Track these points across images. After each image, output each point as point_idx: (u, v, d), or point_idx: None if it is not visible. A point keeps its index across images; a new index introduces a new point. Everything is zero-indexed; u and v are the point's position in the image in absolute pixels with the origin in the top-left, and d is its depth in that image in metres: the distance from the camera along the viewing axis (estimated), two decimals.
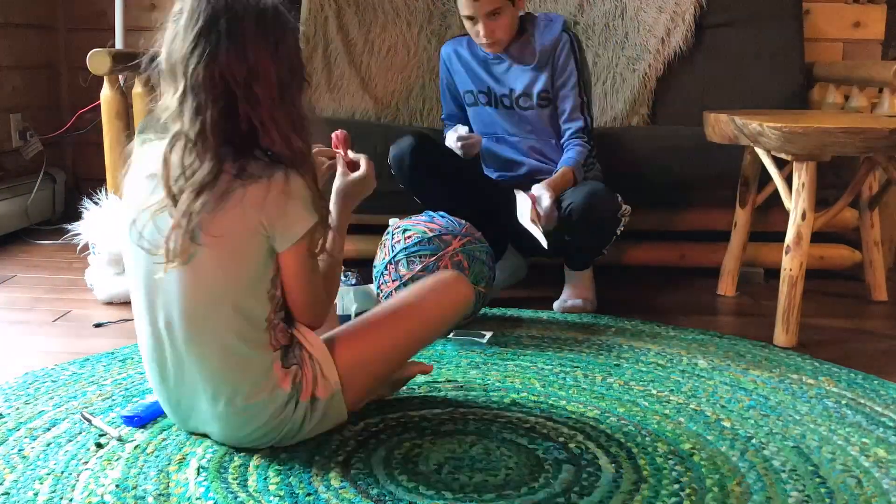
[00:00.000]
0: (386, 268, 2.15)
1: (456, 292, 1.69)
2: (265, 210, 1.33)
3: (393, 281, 2.13)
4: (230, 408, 1.44)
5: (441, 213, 2.22)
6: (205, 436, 1.55)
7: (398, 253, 2.13)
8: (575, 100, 2.39)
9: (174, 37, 1.33)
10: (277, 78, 1.33)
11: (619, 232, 2.31)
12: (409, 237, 2.14)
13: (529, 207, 2.21)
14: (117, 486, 1.39)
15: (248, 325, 1.40)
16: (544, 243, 2.17)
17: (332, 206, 1.56)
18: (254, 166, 1.34)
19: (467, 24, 2.35)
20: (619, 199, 2.29)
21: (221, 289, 1.38)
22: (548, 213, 2.22)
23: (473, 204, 2.37)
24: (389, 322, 1.61)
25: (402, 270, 2.12)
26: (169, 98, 1.34)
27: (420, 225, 2.17)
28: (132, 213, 1.38)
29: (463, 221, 2.20)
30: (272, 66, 1.32)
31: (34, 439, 1.55)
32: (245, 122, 1.33)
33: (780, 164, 2.25)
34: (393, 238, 2.16)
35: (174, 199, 1.32)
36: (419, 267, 2.10)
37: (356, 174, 1.60)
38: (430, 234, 2.13)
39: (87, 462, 1.46)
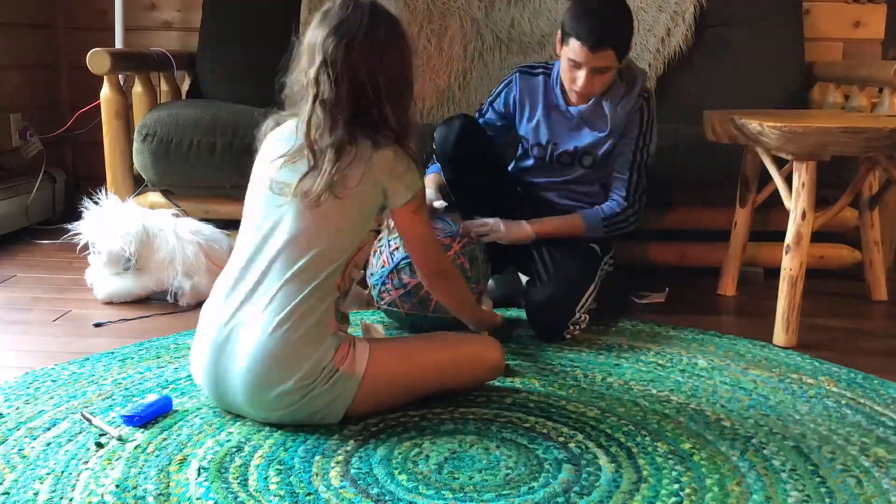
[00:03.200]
0: (388, 276, 2.09)
1: (491, 358, 1.80)
2: (386, 171, 1.60)
3: (396, 289, 2.09)
4: (285, 316, 1.54)
5: (437, 217, 2.15)
6: (226, 411, 1.60)
7: (400, 261, 2.07)
8: (627, 156, 2.26)
9: (319, 22, 1.59)
10: (395, 77, 1.61)
11: (567, 337, 2.16)
12: None
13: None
14: (117, 486, 1.39)
15: (337, 251, 1.60)
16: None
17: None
18: (379, 138, 1.60)
19: (566, 66, 2.17)
20: (584, 304, 2.17)
21: (333, 223, 1.59)
22: (478, 232, 2.17)
23: (494, 203, 2.27)
24: (424, 350, 1.74)
25: (406, 279, 2.07)
26: (303, 71, 1.60)
27: None
28: (265, 164, 1.66)
29: (455, 220, 2.15)
30: (393, 66, 1.60)
31: (34, 439, 1.55)
32: (367, 102, 1.59)
33: (780, 163, 2.25)
34: (390, 245, 2.09)
35: (313, 151, 1.58)
36: None
37: None
38: None
39: (87, 462, 1.47)
